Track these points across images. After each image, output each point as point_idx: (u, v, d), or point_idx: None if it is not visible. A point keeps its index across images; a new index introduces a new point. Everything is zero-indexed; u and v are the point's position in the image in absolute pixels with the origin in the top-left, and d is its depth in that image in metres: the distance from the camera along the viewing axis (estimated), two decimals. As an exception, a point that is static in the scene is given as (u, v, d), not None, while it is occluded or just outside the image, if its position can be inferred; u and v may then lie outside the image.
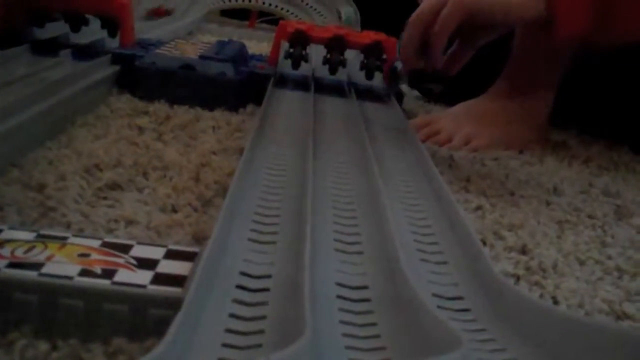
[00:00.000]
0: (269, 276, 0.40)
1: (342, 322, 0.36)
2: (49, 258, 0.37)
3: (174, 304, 0.33)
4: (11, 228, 0.41)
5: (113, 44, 0.96)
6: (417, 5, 0.75)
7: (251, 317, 0.35)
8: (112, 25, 0.96)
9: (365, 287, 0.40)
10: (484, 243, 0.55)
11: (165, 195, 0.55)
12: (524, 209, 0.64)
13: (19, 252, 0.37)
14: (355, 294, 0.39)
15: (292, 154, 0.64)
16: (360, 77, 0.99)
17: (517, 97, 0.88)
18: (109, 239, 0.41)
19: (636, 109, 0.94)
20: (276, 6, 1.89)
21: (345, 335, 0.35)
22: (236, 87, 0.86)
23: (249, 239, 0.44)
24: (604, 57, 0.84)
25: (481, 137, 0.85)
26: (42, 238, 0.39)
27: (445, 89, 0.79)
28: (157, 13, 1.65)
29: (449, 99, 1.04)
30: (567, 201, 0.68)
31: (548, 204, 0.67)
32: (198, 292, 0.34)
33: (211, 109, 0.83)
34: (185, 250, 0.40)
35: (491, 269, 0.42)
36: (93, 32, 0.98)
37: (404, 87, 1.09)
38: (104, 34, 0.97)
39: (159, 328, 0.33)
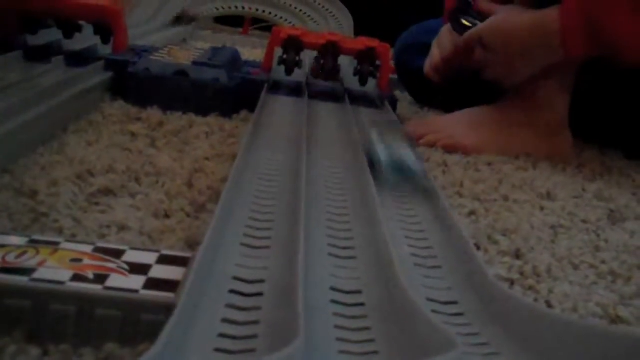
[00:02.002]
0: (262, 281, 0.39)
1: (336, 326, 0.36)
2: (40, 263, 0.37)
3: (167, 309, 0.33)
4: (3, 233, 0.40)
5: (106, 50, 0.95)
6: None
7: (244, 321, 0.35)
8: (105, 31, 0.96)
9: (359, 292, 0.40)
10: (478, 247, 0.55)
11: (158, 200, 0.55)
12: (517, 213, 0.64)
13: (11, 258, 0.37)
14: (349, 299, 0.39)
15: (286, 160, 0.64)
16: (354, 83, 0.99)
17: (524, 107, 0.88)
18: (102, 244, 0.40)
19: (629, 114, 0.95)
20: (269, 13, 1.90)
21: (339, 339, 0.35)
22: (230, 93, 0.86)
23: (242, 244, 0.44)
24: (597, 65, 0.84)
25: (468, 140, 0.85)
26: (34, 243, 0.39)
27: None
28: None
29: (448, 106, 1.04)
30: (560, 206, 0.68)
31: (542, 208, 0.67)
32: (191, 297, 0.34)
33: (204, 115, 0.83)
34: (178, 255, 0.40)
35: (485, 273, 0.42)
36: (86, 38, 0.98)
37: (398, 93, 1.10)
38: (97, 40, 0.97)
39: (152, 333, 0.32)
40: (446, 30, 0.97)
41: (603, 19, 0.78)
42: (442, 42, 0.96)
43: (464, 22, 0.88)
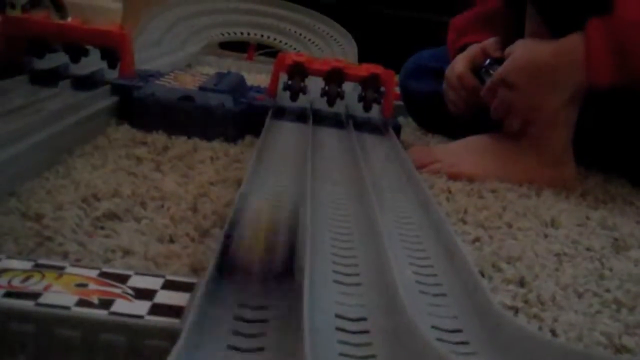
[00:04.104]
0: (267, 307, 0.39)
1: (341, 354, 0.36)
2: (46, 288, 0.37)
3: (172, 335, 0.33)
4: (9, 257, 0.40)
5: (112, 74, 0.96)
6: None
7: (249, 348, 0.35)
8: (111, 56, 0.97)
9: (364, 319, 0.40)
10: (482, 275, 0.55)
11: (163, 225, 0.55)
12: (521, 241, 0.64)
13: (16, 282, 0.37)
14: (354, 326, 0.39)
15: (290, 185, 0.64)
16: (358, 109, 1.00)
17: (528, 134, 0.87)
18: (107, 268, 0.40)
19: (633, 142, 0.95)
20: (274, 39, 1.91)
21: (344, 367, 0.35)
22: (235, 118, 0.87)
23: (247, 270, 0.44)
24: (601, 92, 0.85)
25: (471, 167, 0.85)
26: (40, 267, 0.39)
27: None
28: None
29: (452, 133, 1.05)
30: (564, 233, 0.68)
31: (546, 236, 0.67)
32: (196, 324, 0.34)
33: (209, 140, 0.84)
34: (182, 281, 0.40)
35: (490, 301, 0.42)
36: (93, 63, 0.98)
37: (401, 119, 1.10)
38: (103, 64, 0.98)
39: (156, 359, 0.32)
40: (450, 69, 0.98)
41: (630, 44, 0.78)
42: (450, 82, 0.98)
43: (492, 72, 0.89)
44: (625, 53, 0.78)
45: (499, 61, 0.88)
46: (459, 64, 0.98)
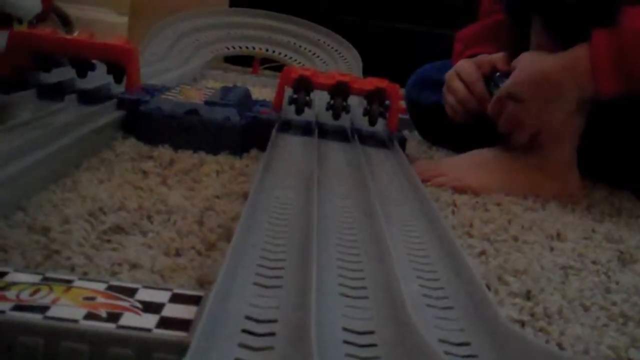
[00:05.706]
0: (274, 320, 0.39)
1: (349, 367, 0.36)
2: (54, 301, 0.37)
3: (180, 349, 0.33)
4: (16, 271, 0.41)
5: (119, 89, 0.97)
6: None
7: (257, 361, 0.35)
8: (118, 70, 0.97)
9: (371, 332, 0.40)
10: (489, 288, 0.55)
11: (169, 239, 0.55)
12: (527, 254, 0.64)
13: (25, 295, 0.37)
14: (361, 339, 0.39)
15: (297, 199, 0.65)
16: (363, 123, 1.00)
17: (532, 148, 0.88)
18: (115, 282, 0.41)
19: (639, 155, 0.95)
20: (279, 53, 1.92)
21: (352, 380, 0.35)
22: (240, 132, 0.87)
23: (254, 283, 0.44)
24: (605, 104, 0.85)
25: (476, 180, 0.85)
26: (48, 281, 0.39)
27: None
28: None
29: (456, 146, 1.05)
30: (570, 247, 0.68)
31: (551, 249, 0.67)
32: (203, 337, 0.34)
33: (215, 154, 0.84)
34: (190, 294, 0.40)
35: (497, 314, 0.42)
36: (99, 77, 0.99)
37: (406, 132, 1.11)
38: (110, 79, 0.98)
39: (165, 372, 0.32)
40: (453, 74, 0.98)
41: (635, 53, 0.78)
42: (452, 86, 0.97)
43: (501, 85, 0.89)
44: (630, 62, 0.78)
45: (507, 75, 0.88)
46: (468, 69, 0.97)
